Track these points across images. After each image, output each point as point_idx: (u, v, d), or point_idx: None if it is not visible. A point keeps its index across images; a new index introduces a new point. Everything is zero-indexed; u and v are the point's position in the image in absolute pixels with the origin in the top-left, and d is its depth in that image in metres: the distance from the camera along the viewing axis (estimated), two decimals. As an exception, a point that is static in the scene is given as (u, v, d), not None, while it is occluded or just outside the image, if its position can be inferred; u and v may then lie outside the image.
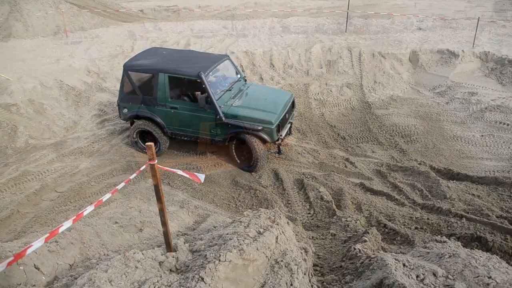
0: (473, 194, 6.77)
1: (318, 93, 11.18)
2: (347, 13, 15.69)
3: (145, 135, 8.71)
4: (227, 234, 3.54)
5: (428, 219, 5.90)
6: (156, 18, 18.57)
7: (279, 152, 8.24)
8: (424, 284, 2.68)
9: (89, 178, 7.81)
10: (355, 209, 6.43)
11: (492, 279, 2.65)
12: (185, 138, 8.45)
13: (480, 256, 2.97)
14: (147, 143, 3.44)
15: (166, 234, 3.89)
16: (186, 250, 3.80)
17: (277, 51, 13.08)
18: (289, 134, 8.92)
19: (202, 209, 6.80)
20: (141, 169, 3.78)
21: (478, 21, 13.83)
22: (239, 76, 8.89)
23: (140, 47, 13.41)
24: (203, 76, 7.73)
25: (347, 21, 15.63)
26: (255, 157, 7.83)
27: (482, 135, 9.09)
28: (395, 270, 2.74)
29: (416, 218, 6.05)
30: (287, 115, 8.30)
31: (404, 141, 9.16)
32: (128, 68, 8.44)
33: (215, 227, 4.91)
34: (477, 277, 2.70)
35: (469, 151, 8.62)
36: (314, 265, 4.08)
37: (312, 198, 6.80)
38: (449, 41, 13.98)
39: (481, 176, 7.37)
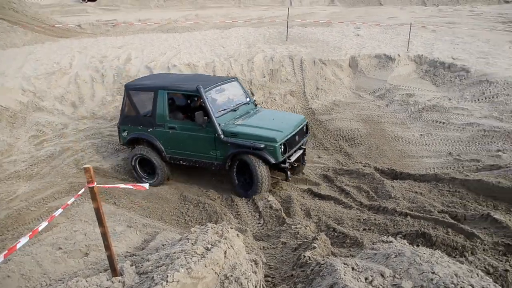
0: (416, 192, 7.00)
1: (263, 102, 11.26)
2: (287, 22, 15.97)
3: (144, 164, 8.26)
4: (174, 253, 3.45)
5: (375, 219, 6.04)
6: (95, 33, 18.16)
7: (286, 178, 7.47)
8: (373, 286, 2.72)
9: (29, 203, 7.40)
10: (304, 216, 6.49)
11: (436, 274, 2.73)
12: (184, 163, 7.94)
13: (424, 253, 3.06)
14: (84, 166, 3.29)
15: (110, 258, 3.72)
16: (132, 273, 3.66)
17: (220, 62, 13.08)
18: (303, 164, 8.13)
19: (150, 227, 6.62)
20: (80, 193, 3.61)
21: (410, 26, 14.48)
22: (248, 99, 8.34)
23: (79, 63, 13.03)
24: (201, 89, 7.37)
25: (287, 30, 15.89)
26: (256, 180, 7.11)
27: (421, 134, 9.47)
28: (344, 275, 2.77)
29: (363, 219, 6.18)
30: (296, 137, 7.49)
31: (348, 145, 9.38)
32: (129, 87, 8.27)
33: (163, 245, 4.78)
34: (422, 273, 2.78)
35: (410, 150, 8.94)
36: (266, 275, 4.06)
37: (261, 207, 6.79)
38: (385, 46, 14.52)
39: (422, 174, 7.65)
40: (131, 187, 3.66)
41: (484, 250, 4.87)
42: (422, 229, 5.45)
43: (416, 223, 5.75)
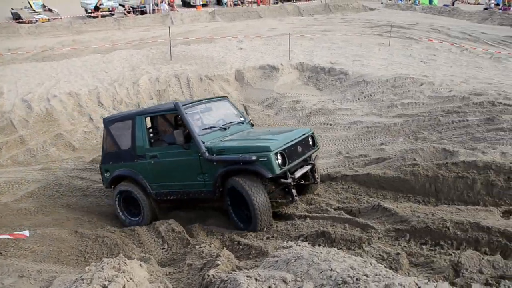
0: (313, 193, 7.26)
1: (154, 124, 11.01)
2: (170, 41, 15.86)
3: (129, 202, 7.44)
4: (68, 296, 3.17)
5: (277, 226, 6.14)
6: (-44, 68, 16.44)
7: (291, 197, 6.23)
8: (276, 294, 2.73)
9: None
10: (207, 233, 6.40)
11: (334, 271, 2.83)
12: (172, 197, 7.04)
13: (321, 252, 3.15)
14: None
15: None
16: (23, 327, 3.31)
17: (104, 88, 12.56)
18: (314, 182, 7.00)
19: (46, 273, 6.04)
20: None
21: (289, 36, 15.18)
22: (242, 119, 7.43)
23: None
24: (179, 105, 6.55)
25: (170, 49, 15.78)
26: (253, 209, 5.86)
27: (311, 138, 9.89)
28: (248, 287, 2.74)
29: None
30: (299, 148, 6.37)
31: (244, 156, 9.48)
32: (106, 120, 7.64)
33: (61, 289, 4.40)
34: (321, 272, 2.85)
35: (303, 154, 9.28)
36: (173, 302, 3.90)
37: (163, 232, 6.56)
38: (268, 57, 15.06)
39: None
40: (8, 237, 3.31)
41: (378, 238, 5.18)
42: (322, 228, 5.64)
43: (315, 224, 5.94)
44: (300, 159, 6.39)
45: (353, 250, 4.80)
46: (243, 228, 6.20)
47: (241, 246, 5.65)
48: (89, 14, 28.39)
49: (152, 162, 6.94)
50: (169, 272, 5.31)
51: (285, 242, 3.75)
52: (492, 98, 9.59)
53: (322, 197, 7.10)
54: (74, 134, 11.02)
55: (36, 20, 26.73)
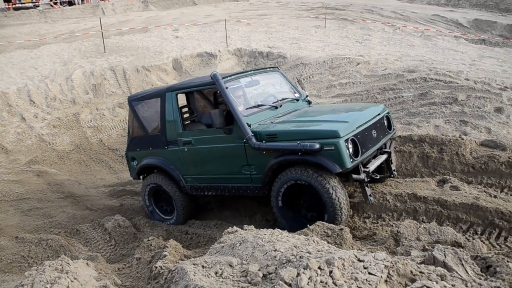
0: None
1: (91, 120, 10.67)
2: (102, 33, 15.33)
3: (161, 200, 6.45)
4: (9, 304, 3.04)
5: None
6: None
7: (366, 198, 4.75)
8: (223, 278, 2.76)
9: None
10: (153, 226, 6.34)
11: (278, 251, 2.89)
12: (210, 193, 5.78)
13: (265, 234, 3.21)
14: None
15: None
16: None
17: (34, 85, 11.97)
18: (391, 176, 5.53)
19: (-13, 284, 5.79)
20: None
21: (225, 22, 15.11)
22: (296, 95, 6.02)
23: None
24: (218, 76, 5.18)
25: (103, 41, 15.26)
26: (331, 205, 4.48)
27: (253, 123, 9.98)
28: (194, 275, 2.75)
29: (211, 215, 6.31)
30: (373, 132, 4.94)
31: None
32: (132, 99, 6.40)
33: (3, 299, 4.22)
34: (266, 253, 2.90)
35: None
36: (122, 297, 3.85)
37: (110, 228, 6.42)
38: (206, 44, 14.94)
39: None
40: None
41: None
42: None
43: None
44: (376, 147, 4.99)
45: (301, 229, 4.93)
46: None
47: (189, 235, 5.65)
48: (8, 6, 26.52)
49: (186, 149, 5.72)
50: (118, 268, 5.22)
51: (230, 227, 3.77)
52: (424, 74, 10.04)
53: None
54: (6, 136, 10.45)
55: None
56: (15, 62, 14.39)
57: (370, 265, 2.50)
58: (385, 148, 5.41)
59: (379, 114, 5.25)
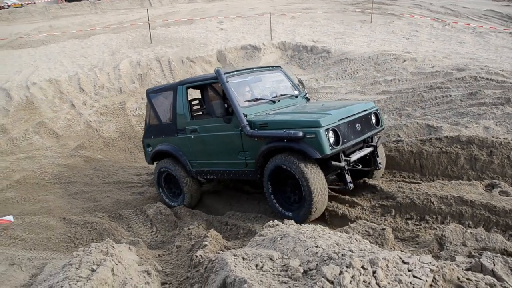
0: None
1: (136, 109, 10.93)
2: (149, 24, 15.62)
3: (171, 183, 7.07)
4: (58, 282, 3.18)
5: (266, 206, 6.19)
6: None
7: (345, 184, 5.31)
8: (264, 271, 2.77)
9: None
10: (194, 215, 6.43)
11: (319, 247, 2.87)
12: (212, 177, 6.44)
13: (306, 230, 3.19)
14: None
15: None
16: (14, 315, 3.32)
17: (84, 73, 12.37)
18: (377, 168, 5.98)
19: (37, 260, 6.03)
20: None
21: (270, 15, 15.06)
22: (296, 92, 6.58)
23: None
24: (220, 72, 5.80)
25: (150, 32, 15.55)
26: (307, 188, 4.90)
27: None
28: (235, 266, 2.77)
29: (253, 208, 6.32)
30: (357, 125, 5.40)
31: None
32: (149, 92, 7.15)
33: (50, 276, 4.40)
34: (307, 249, 2.89)
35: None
36: (163, 283, 3.93)
37: (151, 215, 6.58)
38: (250, 37, 14.94)
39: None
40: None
41: (365, 214, 5.27)
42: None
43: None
44: (359, 139, 5.40)
45: (340, 226, 4.88)
46: (287, 216, 5.14)
47: (229, 227, 5.69)
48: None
49: (192, 136, 6.37)
50: (159, 255, 5.35)
51: (271, 221, 3.78)
52: (474, 73, 9.66)
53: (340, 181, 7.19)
54: (57, 122, 10.88)
55: (8, 6, 26.02)
56: (67, 51, 14.92)
57: (415, 268, 2.44)
58: (371, 142, 5.90)
59: (366, 110, 5.68)
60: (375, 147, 5.80)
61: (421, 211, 5.02)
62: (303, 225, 3.51)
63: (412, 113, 8.68)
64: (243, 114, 5.51)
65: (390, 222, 5.00)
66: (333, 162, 5.08)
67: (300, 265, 2.74)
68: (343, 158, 5.21)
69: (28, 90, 11.60)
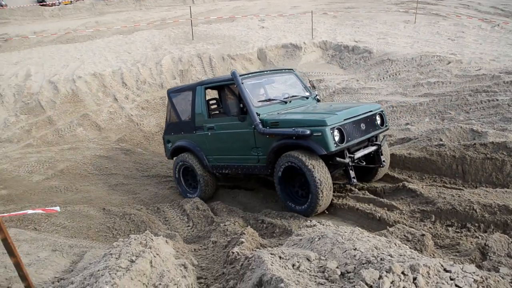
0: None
1: (177, 104, 11.09)
2: (191, 21, 15.82)
3: (189, 177, 7.53)
4: (98, 270, 3.27)
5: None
6: (-16, 51, 16.80)
7: (349, 180, 5.68)
8: (301, 271, 2.75)
9: None
10: (231, 212, 6.47)
11: (358, 250, 2.83)
12: (226, 171, 6.88)
13: (345, 232, 3.15)
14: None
15: (28, 288, 3.47)
16: (56, 299, 3.44)
17: (127, 68, 12.67)
18: (381, 166, 6.31)
19: (77, 248, 6.24)
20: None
21: (312, 14, 14.96)
22: (307, 93, 7.00)
23: (-29, 86, 12.00)
24: (236, 74, 6.23)
25: (192, 29, 15.74)
26: (312, 184, 5.31)
27: (334, 117, 9.79)
28: (272, 265, 2.77)
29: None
30: (362, 125, 5.76)
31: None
32: (170, 91, 7.70)
33: (90, 264, 4.53)
34: (345, 251, 2.85)
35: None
36: (198, 277, 3.98)
37: (188, 210, 6.67)
38: (291, 36, 14.89)
39: (340, 155, 7.91)
40: (40, 211, 3.41)
41: (403, 219, 5.15)
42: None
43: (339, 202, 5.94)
44: (363, 138, 5.77)
45: (377, 230, 4.80)
46: (295, 210, 5.70)
47: (264, 225, 5.70)
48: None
49: (209, 133, 6.83)
50: (194, 249, 5.42)
51: (309, 221, 3.75)
52: (524, 77, 9.29)
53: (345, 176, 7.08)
54: (100, 114, 11.20)
55: (59, 3, 27.00)
56: (111, 46, 15.32)
57: (458, 277, 2.36)
58: (376, 140, 6.21)
59: (371, 111, 6.01)
60: (380, 146, 6.15)
61: (462, 218, 4.87)
62: (341, 227, 3.47)
63: (456, 117, 8.43)
64: (256, 113, 5.94)
65: (430, 228, 4.87)
66: (338, 159, 5.45)
67: (337, 267, 2.71)
68: (348, 155, 5.60)
69: (74, 83, 11.98)
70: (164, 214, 6.93)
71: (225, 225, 5.73)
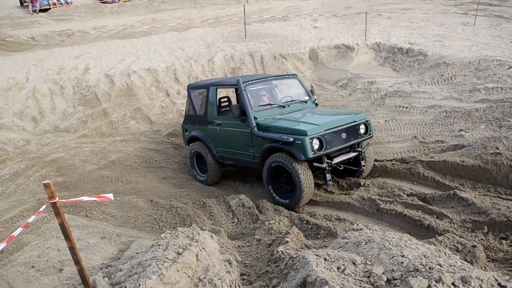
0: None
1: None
2: (244, 19, 15.94)
3: (200, 162, 8.47)
4: (146, 260, 3.38)
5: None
6: (49, 44, 17.68)
7: (325, 181, 6.56)
8: (345, 275, 2.73)
9: (-4, 224, 7.11)
10: (276, 210, 6.48)
11: (405, 257, 2.76)
12: (230, 162, 7.82)
13: (393, 237, 3.09)
14: (44, 182, 3.17)
15: (81, 272, 3.63)
16: (106, 285, 3.57)
17: (180, 64, 12.94)
18: (359, 170, 7.06)
19: (125, 237, 6.46)
20: (41, 210, 3.48)
21: (366, 15, 14.69)
22: (306, 98, 7.76)
23: (36, 77, 12.65)
24: (240, 82, 7.13)
25: (245, 27, 15.86)
26: (297, 181, 6.20)
27: (386, 120, 9.60)
28: (317, 266, 2.76)
29: (336, 209, 6.23)
30: (343, 135, 6.49)
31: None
32: (189, 87, 8.67)
33: (137, 253, 4.68)
34: (392, 257, 2.80)
35: (376, 137, 9.06)
36: (242, 274, 4.02)
37: (233, 206, 6.75)
38: (344, 36, 14.69)
39: (389, 159, 7.75)
40: (95, 199, 3.56)
41: (453, 228, 4.98)
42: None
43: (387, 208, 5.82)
44: (342, 146, 6.53)
45: (425, 238, 4.67)
46: (279, 202, 6.64)
47: (309, 226, 5.67)
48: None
49: (218, 129, 7.76)
50: (238, 245, 5.47)
51: (355, 225, 3.71)
52: None
53: (394, 182, 6.93)
54: (152, 109, 11.51)
55: (119, 0, 27.96)
56: (166, 42, 15.69)
57: (512, 292, 2.27)
58: (358, 147, 6.89)
59: (354, 122, 6.70)
60: (360, 152, 6.87)
61: (517, 231, 4.66)
62: (389, 232, 3.41)
63: (515, 125, 8.04)
64: (254, 117, 6.83)
65: (482, 239, 4.69)
66: (315, 164, 6.35)
67: (383, 273, 2.67)
68: (326, 160, 6.43)
69: (129, 77, 12.37)
70: (210, 209, 7.03)
71: (269, 223, 5.75)
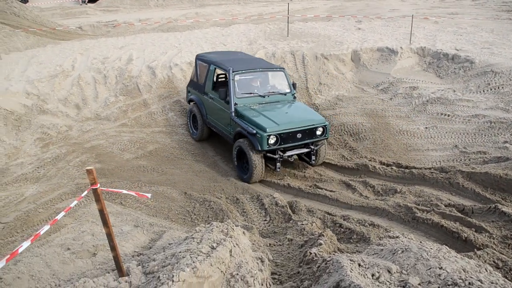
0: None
1: (265, 99, 11.20)
2: (288, 18, 15.88)
3: (195, 120, 9.90)
4: (180, 252, 3.42)
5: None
6: (95, 34, 18.13)
7: (274, 167, 7.93)
8: (380, 282, 2.68)
9: (37, 205, 7.34)
10: (309, 211, 6.44)
11: (443, 269, 2.69)
12: (214, 130, 9.32)
13: (431, 248, 3.01)
14: (87, 168, 3.26)
15: (116, 259, 3.71)
16: (139, 273, 3.64)
17: (221, 60, 13.01)
18: (310, 163, 8.29)
19: (157, 226, 6.58)
20: (83, 195, 3.58)
21: (412, 18, 14.36)
22: (287, 91, 8.85)
23: (81, 65, 13.00)
24: (230, 71, 8.32)
25: (288, 25, 15.80)
26: (250, 166, 7.70)
27: (426, 127, 9.39)
28: (351, 271, 2.73)
29: (370, 214, 6.13)
30: (299, 135, 7.70)
31: (353, 139, 9.32)
32: (198, 57, 10.06)
33: (170, 244, 4.75)
34: (429, 269, 2.73)
35: (415, 144, 8.87)
36: (272, 273, 4.02)
37: (267, 204, 6.75)
38: (388, 39, 14.42)
39: (428, 167, 7.57)
40: (133, 194, 3.63)
41: (493, 244, 4.82)
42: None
43: (423, 217, 5.69)
44: (295, 144, 7.78)
45: (462, 251, 4.54)
46: (242, 177, 8.06)
47: (342, 229, 5.61)
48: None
49: (210, 101, 9.16)
50: (269, 244, 5.48)
51: (391, 232, 3.64)
52: None
53: (432, 191, 6.76)
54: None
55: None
56: (208, 37, 15.82)
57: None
58: (311, 145, 7.99)
59: (313, 125, 7.82)
60: (312, 150, 8.01)
61: None
62: (427, 243, 3.32)
63: None
64: (235, 103, 8.17)
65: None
66: (268, 154, 7.71)
67: (419, 284, 2.60)
68: (279, 153, 7.74)
69: (170, 70, 12.55)
70: (243, 205, 7.06)
71: (302, 224, 5.73)
